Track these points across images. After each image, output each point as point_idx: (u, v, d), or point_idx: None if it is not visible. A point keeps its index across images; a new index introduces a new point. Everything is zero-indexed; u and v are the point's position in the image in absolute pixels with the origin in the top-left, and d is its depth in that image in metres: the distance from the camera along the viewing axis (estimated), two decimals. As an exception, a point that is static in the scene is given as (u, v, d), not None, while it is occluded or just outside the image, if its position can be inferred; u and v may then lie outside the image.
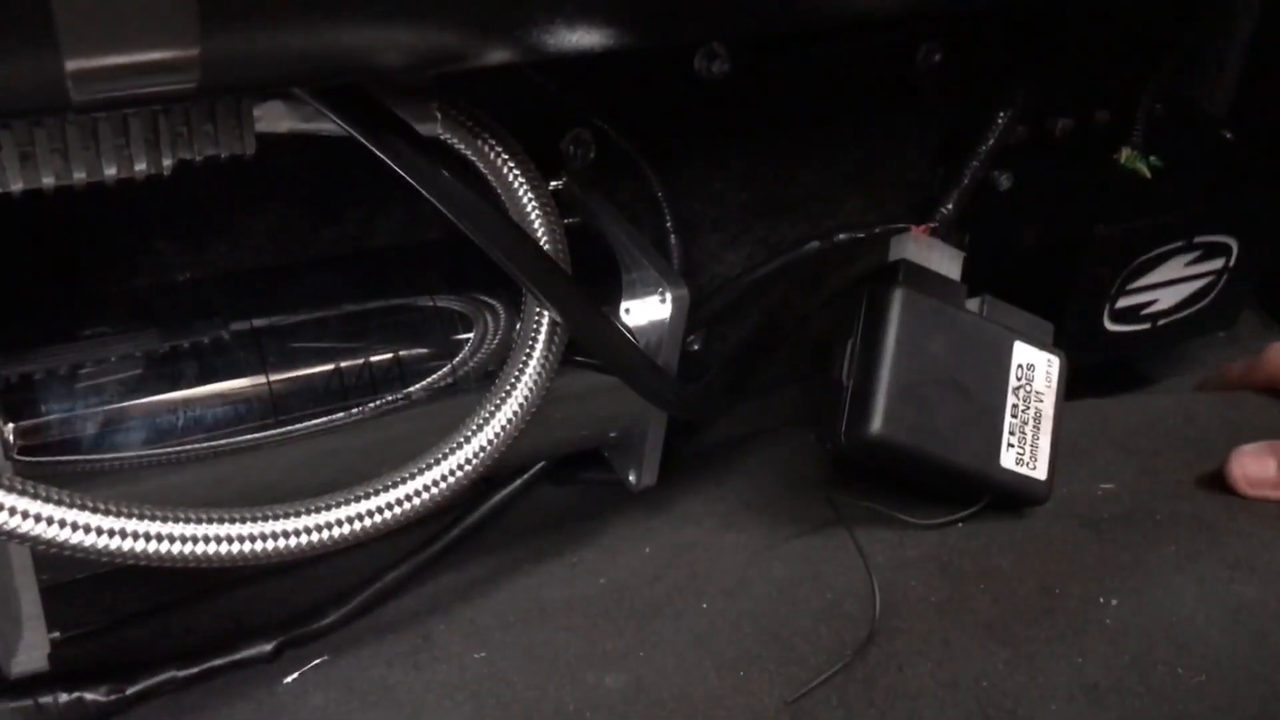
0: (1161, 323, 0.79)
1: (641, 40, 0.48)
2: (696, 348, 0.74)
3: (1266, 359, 0.70)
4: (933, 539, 0.60)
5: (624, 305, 0.60)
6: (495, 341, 0.57)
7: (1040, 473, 0.59)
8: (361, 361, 0.53)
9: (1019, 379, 0.58)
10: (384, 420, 0.54)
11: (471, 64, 0.44)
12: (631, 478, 0.65)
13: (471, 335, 0.57)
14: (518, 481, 0.64)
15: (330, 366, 0.53)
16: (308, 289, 0.56)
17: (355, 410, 0.53)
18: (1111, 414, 0.69)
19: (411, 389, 0.54)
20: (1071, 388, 0.62)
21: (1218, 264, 0.78)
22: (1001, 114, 0.65)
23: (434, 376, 0.55)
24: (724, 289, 0.68)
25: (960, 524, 0.60)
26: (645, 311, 0.60)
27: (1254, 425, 0.67)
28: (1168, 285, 0.77)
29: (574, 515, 0.67)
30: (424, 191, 0.47)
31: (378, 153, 0.47)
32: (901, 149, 0.76)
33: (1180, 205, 0.74)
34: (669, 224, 0.66)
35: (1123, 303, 0.76)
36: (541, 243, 0.53)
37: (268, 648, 0.54)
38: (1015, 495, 0.59)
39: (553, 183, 0.64)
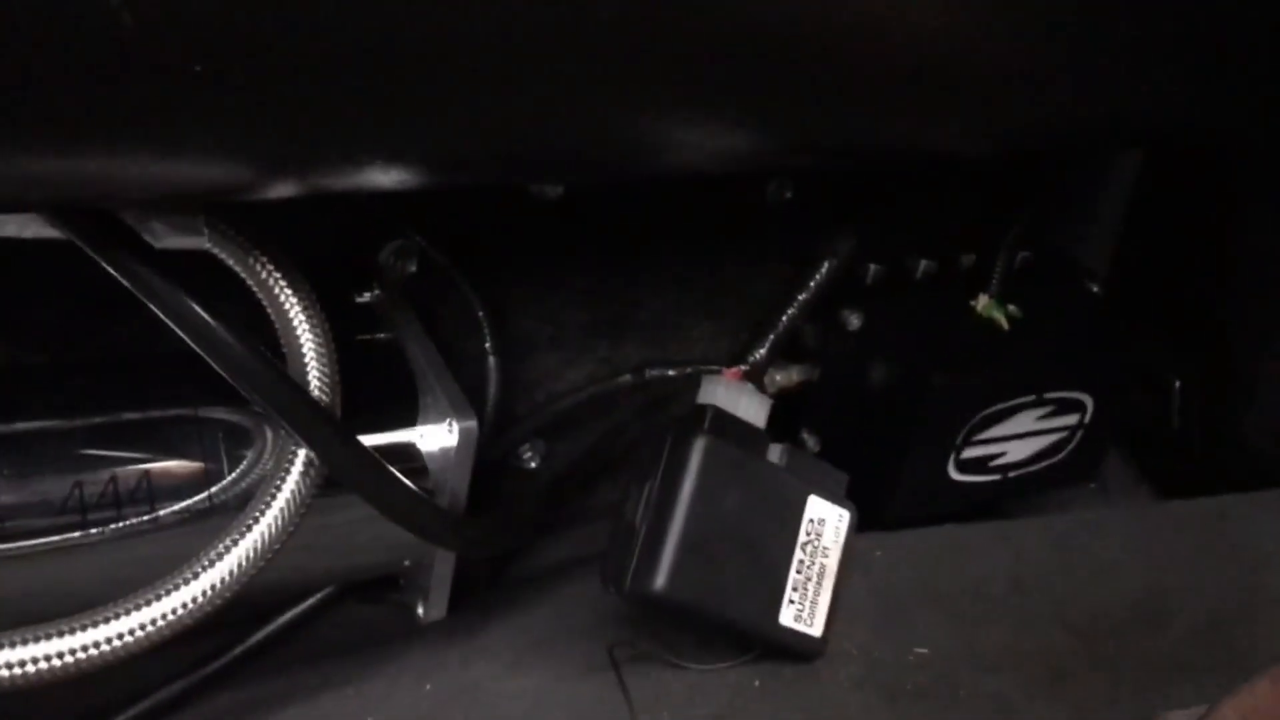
0: (1013, 474, 0.77)
1: (457, 180, 0.45)
2: (534, 464, 0.72)
3: None
4: (724, 697, 0.57)
5: (419, 430, 0.58)
6: (271, 460, 0.54)
7: (816, 630, 0.58)
8: (107, 476, 0.51)
9: (809, 534, 0.57)
10: (126, 543, 0.51)
11: (250, 198, 0.41)
12: (420, 609, 0.62)
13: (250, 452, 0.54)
14: (300, 607, 0.61)
15: (70, 480, 0.50)
16: (74, 392, 0.53)
17: (95, 530, 0.50)
18: (939, 568, 0.67)
19: (160, 512, 0.51)
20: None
21: (1072, 419, 0.76)
22: (826, 264, 0.64)
23: (190, 501, 0.52)
24: (535, 413, 0.66)
25: (757, 682, 0.58)
26: (436, 438, 0.57)
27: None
28: (1017, 438, 0.75)
29: (373, 638, 0.64)
30: (158, 312, 0.45)
31: (107, 268, 0.44)
32: (754, 280, 0.75)
33: (1028, 361, 0.72)
34: (488, 345, 0.64)
35: (969, 453, 0.73)
36: (309, 368, 0.50)
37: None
38: (790, 652, 0.58)
39: (366, 294, 0.61)
